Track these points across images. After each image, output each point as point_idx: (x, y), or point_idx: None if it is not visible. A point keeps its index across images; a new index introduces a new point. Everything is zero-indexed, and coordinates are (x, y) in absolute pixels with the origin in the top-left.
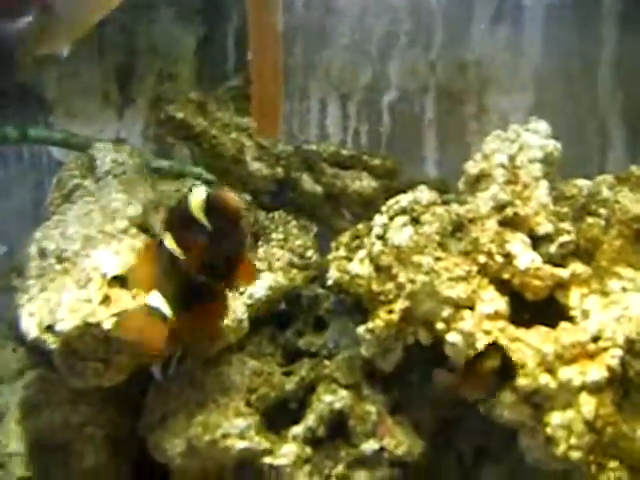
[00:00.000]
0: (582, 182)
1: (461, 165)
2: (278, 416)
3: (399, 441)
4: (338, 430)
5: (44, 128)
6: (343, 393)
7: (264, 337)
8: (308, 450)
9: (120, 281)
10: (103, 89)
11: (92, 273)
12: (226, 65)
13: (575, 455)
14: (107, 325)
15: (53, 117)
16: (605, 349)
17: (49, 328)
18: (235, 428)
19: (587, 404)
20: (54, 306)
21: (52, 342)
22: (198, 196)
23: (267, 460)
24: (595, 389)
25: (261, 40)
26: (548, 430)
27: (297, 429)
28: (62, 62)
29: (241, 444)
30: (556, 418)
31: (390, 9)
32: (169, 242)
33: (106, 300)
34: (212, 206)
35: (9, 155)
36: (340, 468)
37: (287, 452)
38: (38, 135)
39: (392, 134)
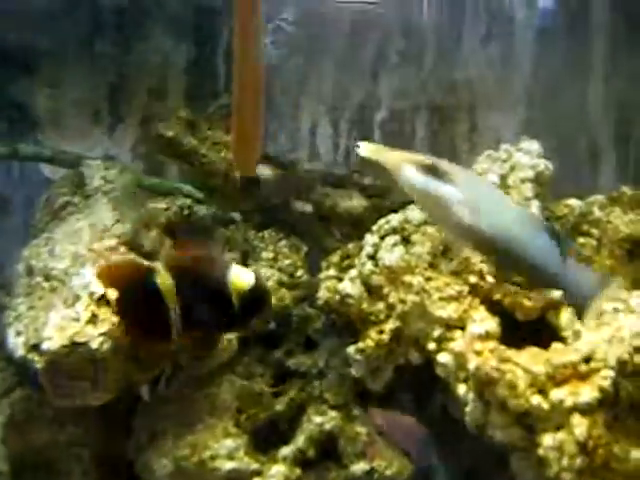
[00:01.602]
0: (574, 202)
1: None
2: (267, 437)
3: (389, 462)
4: (328, 451)
5: (34, 145)
6: (333, 414)
7: (253, 357)
8: (298, 471)
9: (108, 300)
10: (93, 106)
11: (80, 291)
12: (217, 83)
13: (567, 477)
14: (94, 344)
15: (42, 134)
16: (597, 370)
17: (35, 347)
18: (224, 449)
19: (579, 425)
20: (41, 325)
21: (38, 361)
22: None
23: None
24: (587, 410)
25: (243, 76)
26: (540, 451)
27: (286, 450)
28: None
29: (229, 465)
30: (548, 439)
31: (381, 28)
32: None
33: (94, 319)
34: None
35: None
36: None
37: (276, 473)
38: (28, 152)
39: None
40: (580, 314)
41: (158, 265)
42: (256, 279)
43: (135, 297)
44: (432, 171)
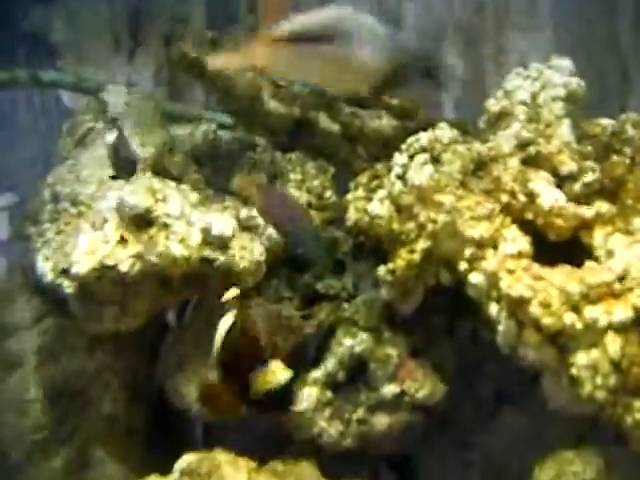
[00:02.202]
0: (606, 121)
1: (478, 107)
2: (297, 360)
3: (420, 384)
4: (358, 374)
5: (54, 71)
6: (363, 336)
7: (282, 281)
8: (329, 394)
9: (136, 222)
10: (113, 32)
11: (108, 214)
12: (239, 6)
13: (601, 395)
14: (124, 267)
15: (62, 62)
16: (631, 288)
17: (64, 271)
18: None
19: (613, 344)
20: (69, 249)
21: (68, 286)
22: None
23: None
24: (621, 328)
25: None
26: (573, 371)
27: (317, 373)
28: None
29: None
30: (581, 358)
31: None
32: None
33: (123, 241)
34: None
35: (19, 103)
36: (360, 412)
37: (307, 396)
38: (49, 78)
39: None
40: None
41: None
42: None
43: None
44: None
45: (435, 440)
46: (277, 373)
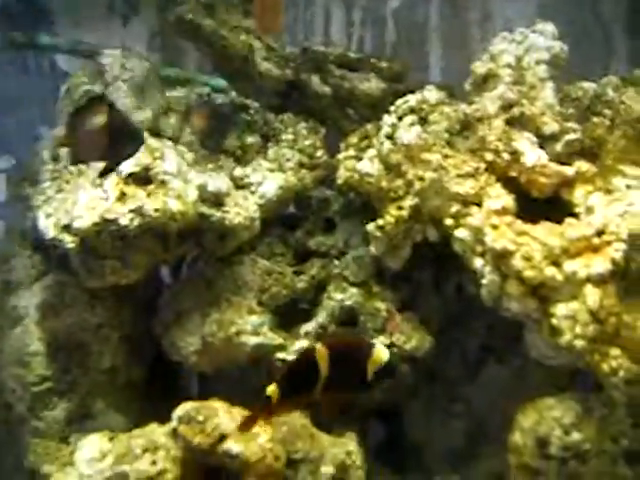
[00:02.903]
0: (587, 84)
1: (464, 72)
2: (289, 315)
3: (408, 337)
4: (349, 326)
5: (50, 35)
6: (353, 290)
7: (274, 238)
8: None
9: (135, 178)
10: None
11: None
12: None
13: (579, 344)
14: (124, 221)
15: (57, 26)
16: (609, 243)
17: (66, 227)
18: (249, 325)
19: (592, 295)
20: (71, 205)
21: (69, 241)
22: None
23: (280, 355)
24: (599, 281)
25: None
26: (554, 321)
27: (309, 326)
28: None
29: (255, 340)
30: (562, 309)
31: None
32: None
33: (122, 197)
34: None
35: (15, 68)
36: None
37: (299, 347)
38: (45, 42)
39: (396, 41)
40: None
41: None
42: (390, 356)
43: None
44: None
45: (422, 392)
46: (381, 354)
